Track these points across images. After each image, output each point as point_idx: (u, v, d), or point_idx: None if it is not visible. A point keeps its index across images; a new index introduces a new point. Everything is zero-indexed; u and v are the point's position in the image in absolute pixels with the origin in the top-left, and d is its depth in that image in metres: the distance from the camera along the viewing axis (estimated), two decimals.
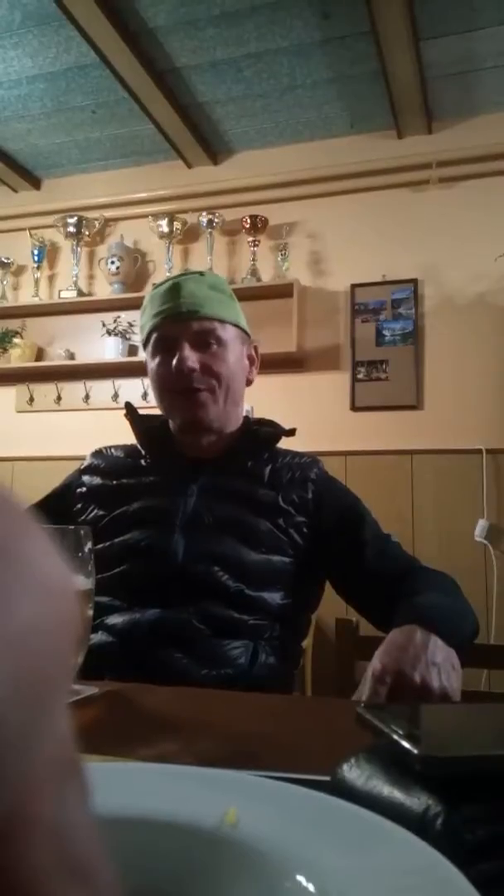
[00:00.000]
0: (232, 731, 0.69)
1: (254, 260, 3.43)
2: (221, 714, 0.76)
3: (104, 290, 3.71)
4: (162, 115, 3.24)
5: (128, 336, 3.55)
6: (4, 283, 3.85)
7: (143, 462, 1.31)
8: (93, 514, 1.25)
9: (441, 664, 0.87)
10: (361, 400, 3.25)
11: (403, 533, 2.84)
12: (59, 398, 3.67)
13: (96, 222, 3.71)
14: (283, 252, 3.41)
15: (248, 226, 3.43)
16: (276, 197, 3.47)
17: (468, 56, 2.87)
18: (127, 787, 0.38)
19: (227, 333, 1.25)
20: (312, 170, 3.41)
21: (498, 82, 3.04)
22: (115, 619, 1.10)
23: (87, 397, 3.62)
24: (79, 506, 1.28)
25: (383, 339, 3.27)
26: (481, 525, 2.98)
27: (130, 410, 1.34)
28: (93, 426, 3.38)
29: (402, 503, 3.09)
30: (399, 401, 3.20)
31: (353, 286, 3.33)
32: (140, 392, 3.37)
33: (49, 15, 2.64)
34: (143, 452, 1.32)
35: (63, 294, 3.71)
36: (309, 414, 3.18)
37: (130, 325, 3.53)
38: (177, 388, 1.22)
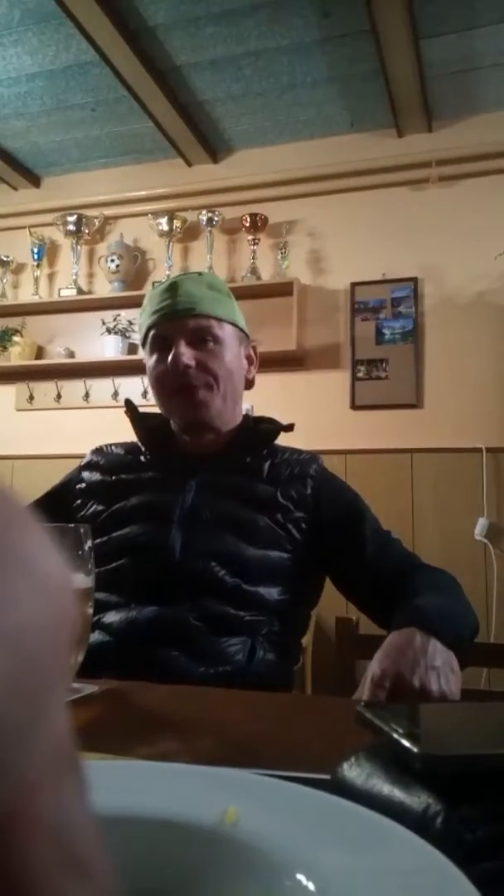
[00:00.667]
0: (232, 729, 0.69)
1: (254, 258, 3.43)
2: (221, 712, 0.76)
3: (104, 288, 3.71)
4: (162, 114, 3.23)
5: (128, 334, 3.55)
6: (4, 281, 3.85)
7: (142, 458, 1.31)
8: (92, 509, 1.25)
9: (440, 668, 0.87)
10: (361, 398, 3.25)
11: (403, 532, 2.83)
12: (58, 396, 3.67)
13: (96, 220, 3.71)
14: (282, 250, 3.40)
15: (247, 224, 3.43)
16: (276, 195, 3.47)
17: (468, 55, 2.86)
18: (126, 785, 0.38)
19: (224, 332, 1.25)
20: (312, 168, 3.41)
21: (498, 81, 3.04)
22: (111, 618, 1.10)
23: (86, 395, 3.62)
24: (78, 502, 1.28)
25: (383, 337, 3.27)
26: (481, 524, 2.98)
27: (130, 407, 1.34)
28: (93, 424, 3.38)
29: (401, 502, 3.09)
30: (399, 399, 3.20)
31: (353, 285, 3.33)
32: (140, 390, 3.36)
33: (49, 13, 2.64)
34: (142, 449, 1.32)
35: (63, 292, 3.71)
36: (309, 412, 3.19)
37: (130, 323, 3.53)
38: (174, 387, 1.23)
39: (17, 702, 0.14)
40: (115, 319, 3.56)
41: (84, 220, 3.67)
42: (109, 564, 1.15)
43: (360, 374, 3.27)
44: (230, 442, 1.29)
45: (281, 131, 3.44)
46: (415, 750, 0.40)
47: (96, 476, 1.30)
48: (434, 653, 0.88)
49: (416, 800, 0.38)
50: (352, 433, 3.22)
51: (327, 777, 0.44)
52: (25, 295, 3.82)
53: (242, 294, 3.02)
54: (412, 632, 0.91)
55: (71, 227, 3.66)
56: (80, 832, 0.17)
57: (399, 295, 3.27)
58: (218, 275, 2.92)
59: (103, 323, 3.56)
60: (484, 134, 3.20)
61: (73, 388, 3.65)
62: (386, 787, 0.40)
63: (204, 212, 3.48)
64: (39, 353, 3.77)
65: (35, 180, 3.90)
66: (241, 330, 1.31)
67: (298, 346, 3.28)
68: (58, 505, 1.27)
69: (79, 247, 3.72)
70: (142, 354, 1.34)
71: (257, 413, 1.41)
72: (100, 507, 1.24)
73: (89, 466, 1.33)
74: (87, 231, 3.70)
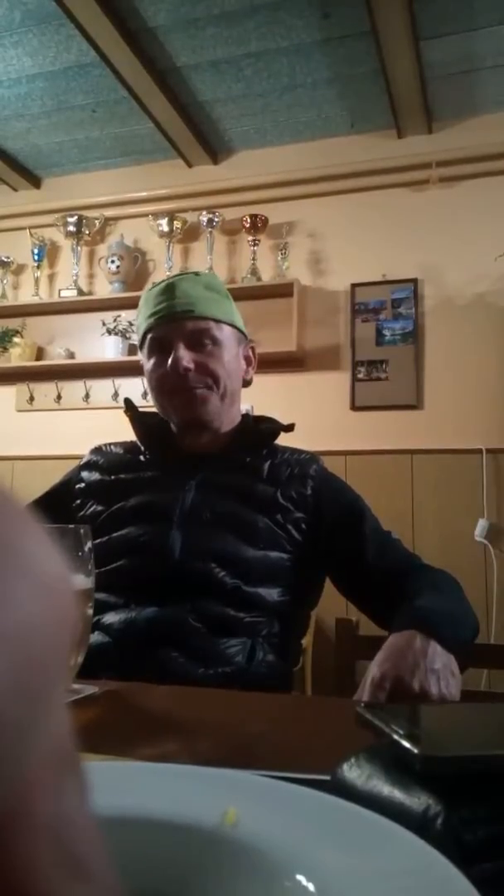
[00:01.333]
0: (232, 730, 0.69)
1: (254, 259, 3.43)
2: (221, 713, 0.76)
3: (104, 289, 3.71)
4: (162, 115, 3.24)
5: (128, 335, 3.55)
6: (4, 282, 3.85)
7: (141, 458, 1.31)
8: (91, 509, 1.25)
9: (440, 671, 0.87)
10: (361, 399, 3.25)
11: (403, 532, 2.83)
12: (59, 397, 3.67)
13: (96, 221, 3.71)
14: (283, 251, 3.41)
15: (248, 225, 3.43)
16: (276, 196, 3.47)
17: (468, 56, 2.87)
18: (126, 786, 0.38)
19: (223, 333, 1.25)
20: (312, 169, 3.41)
21: (498, 82, 3.04)
22: (111, 618, 1.10)
23: (87, 396, 3.62)
24: (78, 501, 1.28)
25: (383, 338, 3.27)
26: (481, 525, 2.98)
27: (130, 407, 1.34)
28: (93, 425, 3.38)
29: (402, 503, 3.09)
30: (399, 400, 3.20)
31: (354, 286, 3.33)
32: (140, 391, 3.36)
33: (49, 14, 2.64)
34: (142, 448, 1.32)
35: (63, 293, 3.71)
36: (309, 413, 3.18)
37: (130, 324, 3.53)
38: (174, 389, 1.22)
39: (17, 701, 0.14)
40: (115, 320, 3.56)
41: (84, 220, 3.67)
42: (109, 565, 1.14)
43: (361, 375, 3.27)
44: (230, 442, 1.29)
45: (281, 132, 3.44)
46: (415, 751, 0.40)
47: (96, 476, 1.30)
48: (434, 655, 0.88)
49: (416, 801, 0.38)
50: (352, 434, 3.22)
51: (327, 778, 0.44)
52: (26, 296, 3.82)
53: (243, 295, 3.04)
54: (412, 634, 0.91)
55: (71, 228, 3.67)
56: (80, 832, 0.17)
57: (399, 296, 3.27)
58: (218, 276, 2.92)
59: (103, 324, 3.56)
60: (484, 135, 3.20)
61: (73, 389, 3.65)
62: (386, 788, 0.40)
63: (204, 213, 3.48)
64: (40, 353, 3.77)
65: (35, 181, 3.91)
66: (240, 330, 1.31)
67: (298, 347, 3.28)
68: (57, 505, 1.27)
69: (79, 248, 3.72)
70: (140, 356, 1.34)
71: (256, 413, 1.41)
72: (99, 508, 1.24)
73: (89, 466, 1.33)
74: (87, 232, 3.70)
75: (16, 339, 3.69)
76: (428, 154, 3.25)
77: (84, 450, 1.41)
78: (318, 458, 1.31)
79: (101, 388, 3.59)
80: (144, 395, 3.34)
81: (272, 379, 3.17)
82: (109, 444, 1.37)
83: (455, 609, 1.04)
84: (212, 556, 1.12)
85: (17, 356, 3.68)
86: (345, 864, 0.31)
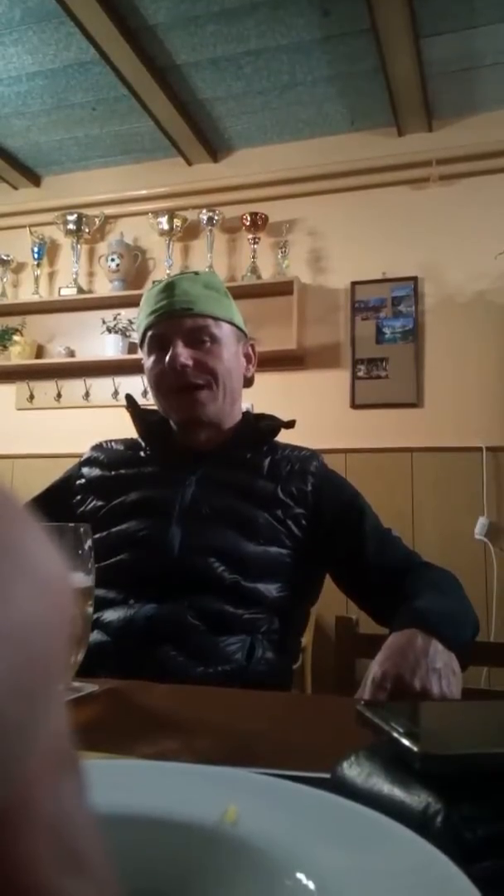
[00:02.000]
0: (232, 728, 0.69)
1: (254, 257, 3.43)
2: (221, 711, 0.76)
3: (104, 287, 3.71)
4: (162, 112, 3.23)
5: (128, 333, 3.55)
6: (4, 280, 3.85)
7: (142, 454, 1.31)
8: (91, 504, 1.25)
9: (441, 669, 0.87)
10: (361, 397, 3.25)
11: (403, 531, 2.83)
12: (59, 395, 3.67)
13: (96, 219, 3.71)
14: (283, 249, 3.40)
15: (248, 223, 3.43)
16: (276, 194, 3.47)
17: (468, 53, 2.86)
18: (126, 784, 0.38)
19: (222, 331, 1.25)
20: (312, 167, 3.41)
21: (498, 79, 3.04)
22: (110, 616, 1.10)
23: (87, 395, 3.62)
24: (78, 497, 1.28)
25: (383, 336, 3.27)
26: (481, 523, 2.98)
27: (131, 403, 1.34)
28: (93, 423, 3.38)
29: (402, 501, 3.09)
30: (399, 398, 3.20)
31: (354, 284, 3.33)
32: (140, 389, 3.36)
33: (49, 12, 2.64)
34: (142, 445, 1.32)
35: (63, 291, 3.71)
36: (309, 411, 3.17)
37: (130, 322, 3.53)
38: (172, 386, 1.23)
39: (17, 699, 0.14)
40: (115, 318, 3.56)
41: (84, 219, 3.67)
42: (108, 560, 1.14)
43: (361, 374, 3.27)
44: (230, 438, 1.29)
45: (281, 130, 3.44)
46: (415, 749, 0.40)
47: (96, 472, 1.30)
48: (435, 654, 0.88)
49: (416, 799, 0.38)
50: (352, 432, 3.22)
51: (327, 776, 0.44)
52: (26, 294, 3.82)
53: (243, 293, 3.03)
54: (413, 633, 0.91)
55: (71, 226, 3.66)
56: (78, 830, 0.17)
57: (399, 294, 3.27)
58: (218, 274, 2.92)
59: (103, 322, 3.56)
60: (484, 133, 3.20)
61: (73, 388, 3.65)
62: (386, 786, 0.40)
63: (204, 211, 3.48)
64: (40, 352, 3.77)
65: (35, 179, 3.90)
66: (239, 329, 1.31)
67: (299, 346, 3.28)
68: (58, 501, 1.27)
69: (79, 246, 3.72)
70: (140, 354, 1.34)
71: (257, 411, 1.41)
72: (99, 503, 1.24)
73: (89, 462, 1.33)
74: (87, 230, 3.70)
75: (16, 338, 3.69)
76: (428, 152, 3.24)
77: (84, 448, 1.41)
78: (319, 455, 1.31)
79: (101, 387, 3.59)
80: (145, 394, 3.34)
81: (272, 377, 3.17)
82: (110, 441, 1.38)
83: (455, 608, 1.04)
84: (211, 551, 1.12)
85: (17, 354, 3.68)
86: (345, 862, 0.31)
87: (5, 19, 2.71)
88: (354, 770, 0.43)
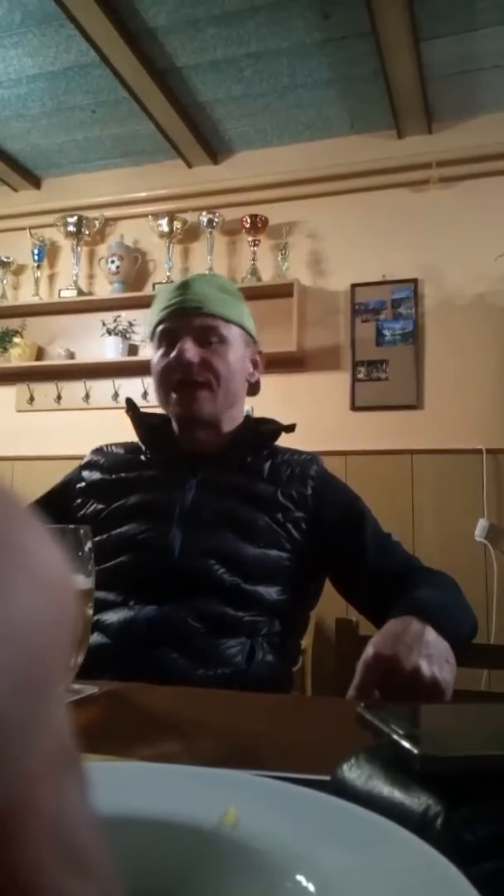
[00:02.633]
0: (232, 730, 0.69)
1: (254, 260, 3.44)
2: (221, 714, 0.76)
3: (104, 289, 3.72)
4: (162, 115, 3.24)
5: (128, 335, 3.55)
6: (4, 282, 3.85)
7: (142, 457, 1.31)
8: (92, 507, 1.26)
9: (435, 656, 0.87)
10: (361, 400, 3.26)
11: (403, 533, 2.84)
12: (59, 397, 3.67)
13: (96, 222, 3.71)
14: (283, 252, 3.41)
15: (248, 225, 3.43)
16: (276, 197, 3.47)
17: (468, 56, 2.87)
18: (126, 786, 0.38)
19: (231, 332, 1.26)
20: (312, 170, 3.41)
21: (498, 82, 3.04)
22: (110, 618, 1.10)
23: (87, 397, 3.62)
24: (78, 501, 1.28)
25: (383, 338, 3.27)
26: (481, 525, 2.98)
27: (132, 406, 1.35)
28: (93, 425, 3.38)
29: (402, 503, 3.09)
30: (399, 400, 3.20)
31: (354, 286, 3.33)
32: (140, 391, 3.37)
33: (49, 14, 2.64)
34: (143, 448, 1.33)
35: (63, 293, 3.71)
36: (309, 414, 3.18)
37: (130, 324, 3.53)
38: (176, 381, 1.23)
39: (18, 696, 0.14)
40: (115, 321, 3.56)
41: (84, 221, 3.67)
42: (108, 562, 1.15)
43: (361, 376, 3.27)
44: (231, 441, 1.29)
45: (281, 133, 3.44)
46: (415, 751, 0.40)
47: (97, 475, 1.30)
48: (429, 640, 0.89)
49: (416, 801, 0.38)
50: (352, 434, 3.22)
51: (327, 778, 0.44)
52: (26, 296, 3.82)
53: (243, 295, 3.02)
54: (410, 619, 0.92)
55: (71, 229, 3.67)
56: (80, 829, 0.17)
57: (399, 296, 3.27)
58: (213, 273, 2.92)
59: (103, 324, 3.56)
60: (484, 135, 3.20)
61: (73, 390, 3.65)
62: (386, 789, 0.40)
63: (204, 213, 3.48)
64: (40, 354, 3.77)
65: (35, 181, 3.91)
66: (249, 333, 1.32)
67: (299, 348, 3.28)
68: (58, 504, 1.27)
69: (79, 248, 3.72)
70: (142, 355, 1.35)
71: (257, 414, 1.41)
72: (100, 506, 1.25)
73: (90, 466, 1.33)
74: (87, 232, 3.70)
75: (16, 340, 3.69)
76: (428, 154, 3.25)
77: (84, 450, 1.42)
78: (319, 459, 1.31)
79: (101, 389, 3.59)
80: (144, 395, 3.34)
81: (272, 379, 3.15)
82: (110, 445, 1.38)
83: (454, 605, 1.05)
84: (211, 554, 1.13)
85: (17, 356, 3.68)
86: (345, 864, 0.31)
87: (5, 22, 2.71)
88: (354, 772, 0.43)
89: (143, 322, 3.45)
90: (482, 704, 1.00)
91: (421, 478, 3.11)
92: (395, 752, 0.42)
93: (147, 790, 0.38)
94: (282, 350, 3.19)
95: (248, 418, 1.34)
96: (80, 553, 0.79)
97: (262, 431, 1.31)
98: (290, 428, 1.31)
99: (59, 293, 3.74)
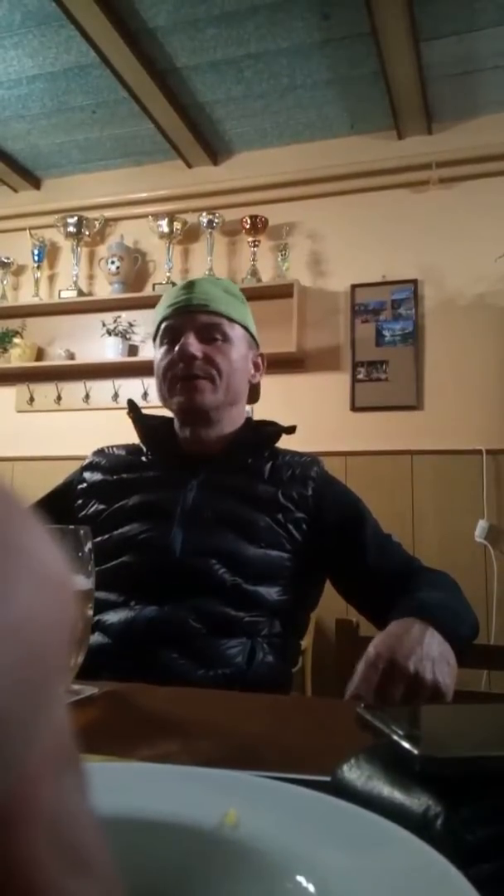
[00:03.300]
0: (232, 731, 0.69)
1: (254, 260, 3.44)
2: (221, 714, 0.76)
3: (104, 290, 3.72)
4: (162, 116, 3.24)
5: (128, 336, 3.55)
6: (4, 282, 3.85)
7: (143, 458, 1.32)
8: (93, 508, 1.26)
9: (436, 658, 0.87)
10: (361, 400, 3.25)
11: (403, 533, 2.84)
12: (59, 398, 3.67)
13: (96, 222, 3.71)
14: (283, 252, 3.41)
15: (248, 226, 3.43)
16: (276, 197, 3.48)
17: (468, 57, 2.87)
18: (126, 787, 0.38)
19: (234, 331, 1.28)
20: (312, 170, 3.41)
21: (498, 83, 3.04)
22: (111, 618, 1.10)
23: (87, 397, 3.62)
24: (79, 501, 1.29)
25: (383, 339, 3.27)
26: (481, 526, 2.98)
27: (133, 408, 1.35)
28: (93, 426, 3.38)
29: (402, 504, 3.09)
30: (399, 401, 3.20)
31: (353, 286, 3.33)
32: (140, 392, 3.37)
33: (49, 15, 2.64)
34: (144, 449, 1.33)
35: (63, 294, 3.71)
36: (309, 414, 3.18)
37: (130, 325, 3.54)
38: (177, 375, 1.24)
39: (18, 695, 0.14)
40: (115, 321, 3.56)
41: (84, 221, 3.67)
42: (110, 562, 1.15)
43: (361, 376, 3.27)
44: (232, 443, 1.29)
45: (281, 133, 3.44)
46: (415, 752, 0.40)
47: (98, 476, 1.31)
48: (431, 643, 0.89)
49: (417, 801, 0.38)
50: (352, 435, 3.22)
51: (327, 779, 0.44)
52: (26, 296, 3.82)
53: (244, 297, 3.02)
54: (411, 621, 0.93)
55: (71, 229, 3.67)
56: (80, 828, 0.17)
57: (399, 297, 3.27)
58: (218, 277, 2.92)
59: (103, 325, 3.56)
60: (484, 136, 3.20)
61: (73, 390, 3.65)
62: (386, 789, 0.40)
63: (204, 214, 3.48)
64: (40, 354, 3.77)
65: (35, 182, 3.91)
66: (252, 336, 1.33)
67: (299, 348, 3.28)
68: (59, 505, 1.28)
69: (79, 248, 3.72)
70: (142, 355, 1.35)
71: (257, 415, 1.42)
72: (101, 506, 1.25)
73: (91, 467, 1.34)
74: (87, 233, 3.70)
75: (16, 340, 3.69)
76: (428, 155, 3.25)
77: (84, 451, 1.42)
78: (319, 461, 1.31)
79: (101, 389, 3.59)
80: (145, 396, 3.34)
81: (272, 380, 3.14)
82: (111, 447, 1.39)
83: (455, 604, 1.05)
84: (212, 554, 1.13)
85: (17, 357, 3.68)
86: (345, 864, 0.31)
87: (5, 22, 2.71)
88: (354, 773, 0.43)
89: (144, 323, 3.46)
90: (482, 705, 1.00)
91: (421, 478, 3.11)
92: (395, 753, 0.42)
93: (147, 791, 0.38)
94: (282, 351, 3.19)
95: (248, 420, 1.35)
96: (80, 554, 0.79)
97: (263, 433, 1.32)
98: (291, 429, 1.32)
99: (59, 294, 3.74)
